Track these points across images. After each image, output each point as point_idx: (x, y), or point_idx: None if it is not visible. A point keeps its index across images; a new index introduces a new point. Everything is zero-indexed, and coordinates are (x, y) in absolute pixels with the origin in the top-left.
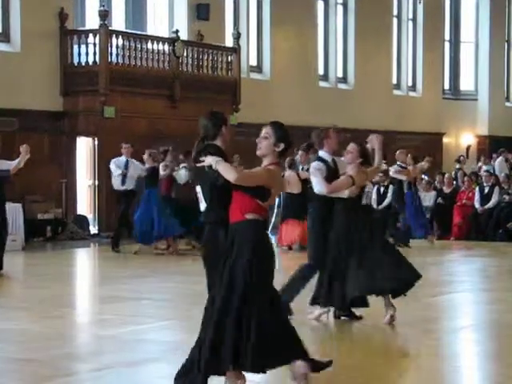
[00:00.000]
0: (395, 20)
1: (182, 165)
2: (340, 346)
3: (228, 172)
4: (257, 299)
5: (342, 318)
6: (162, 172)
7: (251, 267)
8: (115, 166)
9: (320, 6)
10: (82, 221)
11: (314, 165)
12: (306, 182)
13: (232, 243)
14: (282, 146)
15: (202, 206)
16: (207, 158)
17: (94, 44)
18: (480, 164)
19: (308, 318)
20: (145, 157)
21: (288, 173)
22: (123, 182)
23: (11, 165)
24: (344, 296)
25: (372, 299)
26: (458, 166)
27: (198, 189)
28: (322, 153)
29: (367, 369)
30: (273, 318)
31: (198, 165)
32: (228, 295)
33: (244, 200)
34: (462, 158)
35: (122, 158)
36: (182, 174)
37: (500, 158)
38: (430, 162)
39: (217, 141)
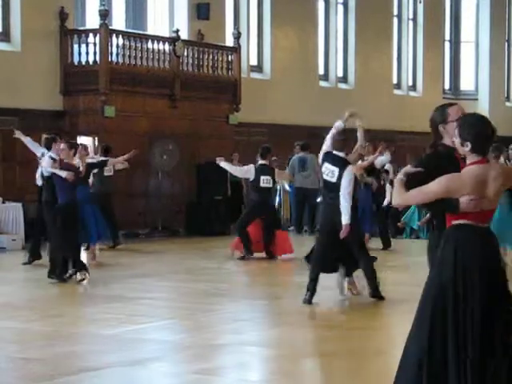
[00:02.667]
0: (395, 20)
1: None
2: (337, 346)
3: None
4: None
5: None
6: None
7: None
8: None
9: (320, 5)
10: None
11: None
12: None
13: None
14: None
15: None
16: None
17: (95, 43)
18: None
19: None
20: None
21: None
22: None
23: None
24: None
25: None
26: None
27: None
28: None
29: (366, 368)
30: None
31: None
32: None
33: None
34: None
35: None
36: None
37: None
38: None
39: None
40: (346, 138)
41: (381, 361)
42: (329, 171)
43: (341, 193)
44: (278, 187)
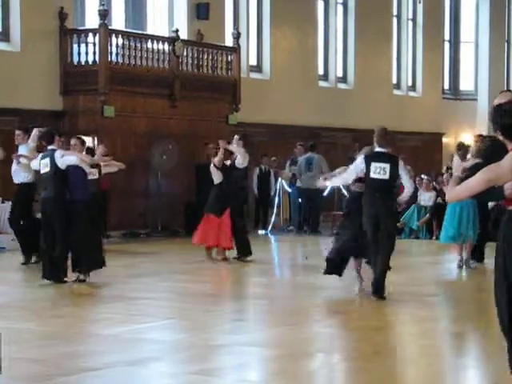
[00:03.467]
0: (395, 20)
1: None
2: (337, 346)
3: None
4: None
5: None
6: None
7: None
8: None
9: (320, 5)
10: None
11: None
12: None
13: None
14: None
15: None
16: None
17: (94, 43)
18: None
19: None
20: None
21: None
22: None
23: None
24: None
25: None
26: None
27: None
28: None
29: (366, 368)
30: None
31: None
32: None
33: None
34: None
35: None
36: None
37: None
38: None
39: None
40: (390, 136)
41: (381, 361)
42: (380, 169)
43: (405, 183)
44: (278, 187)
